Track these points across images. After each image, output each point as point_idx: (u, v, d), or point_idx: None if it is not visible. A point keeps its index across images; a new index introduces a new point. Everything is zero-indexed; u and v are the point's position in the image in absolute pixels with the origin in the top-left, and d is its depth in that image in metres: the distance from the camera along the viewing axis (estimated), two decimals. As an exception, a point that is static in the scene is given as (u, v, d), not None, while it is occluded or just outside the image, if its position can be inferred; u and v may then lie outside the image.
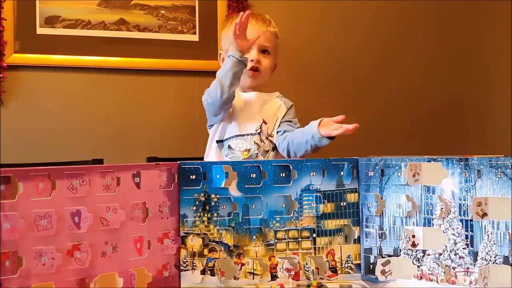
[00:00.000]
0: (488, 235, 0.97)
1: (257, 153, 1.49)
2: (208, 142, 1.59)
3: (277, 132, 1.53)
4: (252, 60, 1.52)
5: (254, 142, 1.49)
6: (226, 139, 1.52)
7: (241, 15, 1.42)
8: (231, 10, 2.05)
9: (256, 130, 1.51)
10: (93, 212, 0.94)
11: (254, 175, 1.07)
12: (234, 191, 1.06)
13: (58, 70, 1.99)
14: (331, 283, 1.05)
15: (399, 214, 1.04)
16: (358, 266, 1.08)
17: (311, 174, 1.08)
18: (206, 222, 1.05)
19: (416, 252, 1.03)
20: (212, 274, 1.05)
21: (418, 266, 1.02)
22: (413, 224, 1.03)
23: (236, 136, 1.51)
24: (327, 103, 2.26)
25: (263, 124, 1.53)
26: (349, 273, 1.07)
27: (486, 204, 0.97)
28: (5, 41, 1.89)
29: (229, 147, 1.51)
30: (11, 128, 1.93)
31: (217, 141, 1.53)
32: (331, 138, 1.39)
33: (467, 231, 0.99)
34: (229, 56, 1.44)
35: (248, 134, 1.50)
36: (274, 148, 1.52)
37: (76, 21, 1.98)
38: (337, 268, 1.07)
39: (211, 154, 1.54)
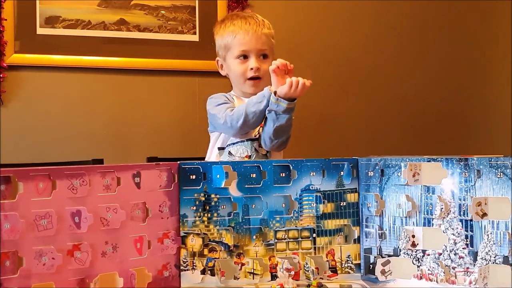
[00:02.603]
0: (488, 235, 0.97)
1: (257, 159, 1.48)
2: (209, 148, 1.58)
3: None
4: (252, 69, 1.51)
5: (255, 149, 1.48)
6: (228, 145, 1.51)
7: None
8: (231, 10, 2.05)
9: (254, 136, 1.49)
10: (93, 212, 0.94)
11: (254, 175, 1.07)
12: (234, 191, 1.06)
13: (58, 70, 1.99)
14: (331, 283, 1.05)
15: (399, 214, 1.04)
16: (358, 266, 1.08)
17: (311, 174, 1.08)
18: (206, 222, 1.05)
19: (416, 252, 1.03)
20: (212, 274, 1.05)
21: (418, 266, 1.02)
22: (413, 224, 1.03)
23: (236, 142, 1.49)
24: (327, 103, 2.26)
25: (261, 128, 1.51)
26: (349, 273, 1.08)
27: (486, 204, 0.97)
28: (5, 41, 1.90)
29: (229, 153, 1.50)
30: (11, 128, 1.93)
31: (219, 148, 1.53)
32: (289, 100, 1.36)
33: (467, 231, 0.99)
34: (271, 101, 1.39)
35: (248, 140, 1.49)
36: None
37: (76, 21, 1.98)
38: (337, 268, 1.07)
39: (212, 160, 1.53)
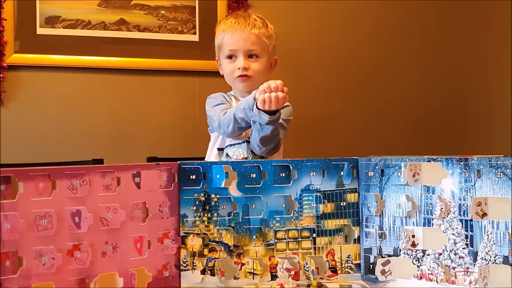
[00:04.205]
0: (488, 235, 0.97)
1: None
2: (209, 147, 1.58)
3: None
4: (239, 68, 1.50)
5: (251, 151, 1.48)
6: (226, 146, 1.51)
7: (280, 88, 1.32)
8: (231, 10, 2.05)
9: (249, 138, 1.47)
10: (93, 212, 0.94)
11: (254, 175, 1.07)
12: (234, 191, 1.06)
13: (58, 70, 1.99)
14: (331, 283, 1.05)
15: (399, 214, 1.04)
16: (358, 266, 1.08)
17: (311, 174, 1.08)
18: (206, 222, 1.05)
19: (416, 252, 1.03)
20: (212, 274, 1.05)
21: (418, 266, 1.02)
22: (413, 224, 1.03)
23: (233, 144, 1.49)
24: (326, 103, 2.26)
25: None
26: (349, 273, 1.08)
27: (486, 204, 0.97)
28: (5, 41, 1.89)
29: (227, 155, 1.50)
30: (11, 128, 1.93)
31: (218, 149, 1.53)
32: (270, 113, 1.33)
33: (467, 231, 0.99)
34: (257, 110, 1.34)
35: (244, 142, 1.48)
36: None
37: (76, 21, 1.98)
38: (337, 268, 1.07)
39: (211, 160, 1.53)
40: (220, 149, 1.52)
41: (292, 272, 1.05)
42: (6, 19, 1.89)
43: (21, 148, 1.93)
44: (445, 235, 1.00)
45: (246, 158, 1.47)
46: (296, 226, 1.07)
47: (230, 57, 1.53)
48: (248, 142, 1.47)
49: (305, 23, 2.23)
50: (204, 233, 1.05)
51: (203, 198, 1.05)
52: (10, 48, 1.91)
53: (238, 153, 1.48)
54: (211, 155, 1.55)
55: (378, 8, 2.31)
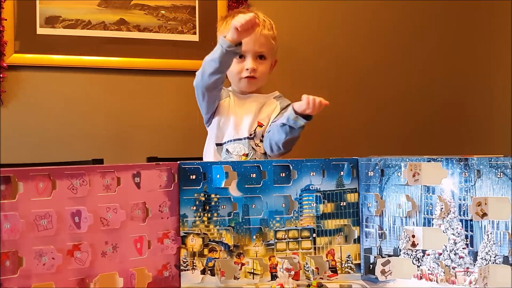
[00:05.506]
0: (488, 235, 0.97)
1: (255, 158, 1.47)
2: (206, 143, 1.58)
3: (267, 132, 1.50)
4: (247, 69, 1.50)
5: (252, 147, 1.48)
6: (225, 142, 1.51)
7: (254, 17, 1.36)
8: (231, 10, 2.05)
9: (250, 135, 1.48)
10: (93, 212, 0.94)
11: (254, 175, 1.07)
12: (234, 191, 1.06)
13: (58, 70, 1.99)
14: (331, 283, 1.05)
15: (399, 214, 1.04)
16: (358, 266, 1.08)
17: (311, 174, 1.08)
18: (206, 222, 1.05)
19: (416, 252, 1.03)
20: (212, 274, 1.05)
21: (418, 266, 1.02)
22: (413, 224, 1.03)
23: (234, 140, 1.50)
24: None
25: (258, 127, 1.51)
26: (349, 273, 1.08)
27: (486, 204, 0.97)
28: (5, 41, 1.89)
29: (227, 151, 1.49)
30: (11, 128, 1.93)
31: (216, 144, 1.53)
32: (306, 118, 1.37)
33: (467, 231, 0.99)
34: (219, 44, 1.39)
35: (245, 138, 1.49)
36: None
37: (76, 21, 1.98)
38: (337, 268, 1.07)
39: (209, 156, 1.52)
40: (219, 145, 1.52)
41: (292, 272, 1.05)
42: (6, 19, 1.89)
43: (21, 148, 1.93)
44: (445, 235, 1.00)
45: (247, 154, 1.47)
46: (296, 226, 1.07)
47: (238, 56, 1.52)
48: (249, 138, 1.47)
49: (305, 23, 2.23)
50: (204, 233, 1.05)
51: (203, 198, 1.05)
52: (10, 48, 1.91)
53: (238, 149, 1.48)
54: (209, 150, 1.54)
55: (378, 8, 2.31)
